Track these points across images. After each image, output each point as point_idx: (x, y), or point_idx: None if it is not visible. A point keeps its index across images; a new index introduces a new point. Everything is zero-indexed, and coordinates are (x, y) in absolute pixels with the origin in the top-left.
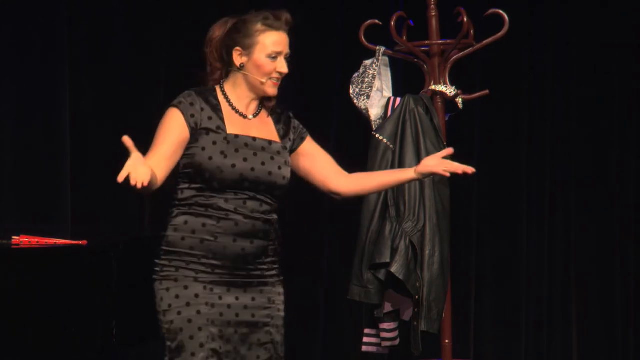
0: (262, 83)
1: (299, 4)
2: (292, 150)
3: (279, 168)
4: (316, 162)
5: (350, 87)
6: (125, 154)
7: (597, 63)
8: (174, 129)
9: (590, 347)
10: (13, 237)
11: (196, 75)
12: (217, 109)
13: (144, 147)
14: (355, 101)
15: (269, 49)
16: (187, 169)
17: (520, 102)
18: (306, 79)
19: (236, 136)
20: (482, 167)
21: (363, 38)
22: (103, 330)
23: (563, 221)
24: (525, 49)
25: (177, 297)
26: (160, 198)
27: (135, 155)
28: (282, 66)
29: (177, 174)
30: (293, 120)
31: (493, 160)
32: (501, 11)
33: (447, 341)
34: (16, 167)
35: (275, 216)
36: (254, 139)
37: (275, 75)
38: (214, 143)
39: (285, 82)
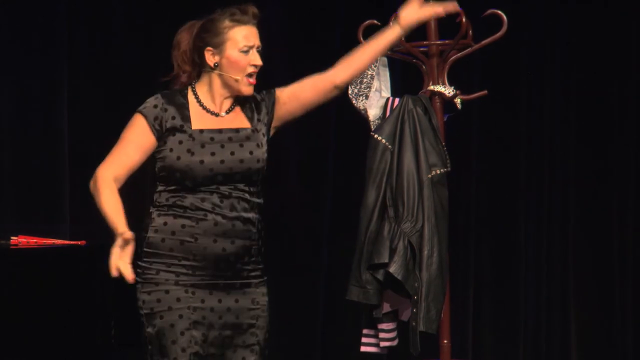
0: (237, 81)
1: (298, 4)
2: (273, 118)
3: (250, 153)
4: (303, 92)
5: (349, 87)
6: None
7: (596, 63)
8: (136, 138)
9: (589, 348)
10: (12, 238)
11: (163, 79)
12: (183, 107)
13: None
14: (354, 101)
15: (240, 43)
16: (161, 172)
17: (518, 103)
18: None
19: (201, 131)
20: (480, 167)
21: (361, 38)
22: (102, 330)
23: (562, 222)
24: (524, 49)
25: (158, 301)
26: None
27: (120, 251)
28: (256, 59)
29: (153, 177)
30: (257, 95)
31: (492, 161)
32: (500, 12)
33: (445, 341)
34: (15, 167)
35: (256, 215)
36: (220, 130)
37: (250, 69)
38: (180, 142)
39: (283, 82)
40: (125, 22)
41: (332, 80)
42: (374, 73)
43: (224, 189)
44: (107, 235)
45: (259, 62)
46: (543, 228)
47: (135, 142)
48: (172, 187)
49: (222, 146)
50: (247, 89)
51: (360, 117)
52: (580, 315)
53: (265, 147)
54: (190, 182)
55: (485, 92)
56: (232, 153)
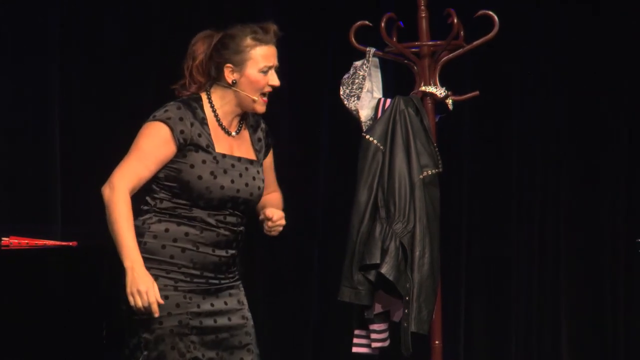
0: (254, 101)
1: (289, 5)
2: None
3: (258, 188)
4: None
5: (340, 88)
6: (113, 155)
7: (588, 65)
8: (158, 150)
9: (580, 349)
10: (3, 239)
11: (172, 87)
12: (204, 123)
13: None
14: (346, 102)
15: (261, 63)
16: (170, 182)
17: (510, 104)
18: (296, 81)
19: (224, 156)
20: (472, 168)
21: (353, 39)
22: (93, 331)
23: (553, 223)
24: (516, 50)
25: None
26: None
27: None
28: (274, 79)
29: (154, 181)
30: (267, 133)
31: (483, 162)
32: (491, 12)
33: (437, 342)
34: (6, 168)
35: (244, 228)
36: (239, 159)
37: (267, 89)
38: (204, 162)
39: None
40: (117, 22)
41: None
42: (366, 74)
43: (228, 211)
44: (99, 237)
45: (277, 82)
46: (534, 229)
47: (156, 155)
48: (181, 201)
49: (240, 175)
50: (261, 108)
51: (352, 118)
52: (572, 315)
53: (264, 184)
54: (204, 202)
55: (477, 92)
56: (247, 185)
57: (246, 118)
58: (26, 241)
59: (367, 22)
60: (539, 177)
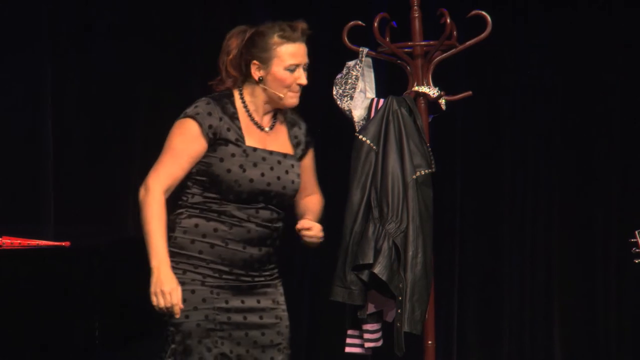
0: (281, 98)
1: (281, 5)
2: (303, 156)
3: (292, 182)
4: (303, 176)
5: (333, 88)
6: (106, 154)
7: (582, 64)
8: (189, 147)
9: (573, 348)
10: None
11: (209, 83)
12: (234, 117)
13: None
14: (338, 102)
15: (287, 61)
16: (201, 177)
17: (503, 104)
18: None
19: (254, 149)
20: (465, 168)
21: (346, 39)
22: (85, 331)
23: (546, 223)
24: (508, 49)
25: (184, 300)
26: None
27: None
28: (301, 77)
29: (188, 177)
30: (307, 132)
31: (476, 162)
32: (484, 12)
33: (430, 342)
34: None
35: (281, 224)
36: (271, 152)
37: (294, 87)
38: (233, 155)
39: None
40: (109, 18)
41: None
42: (359, 74)
43: (260, 204)
44: (92, 237)
45: (304, 81)
46: (527, 229)
47: (188, 153)
48: (212, 195)
49: (272, 168)
50: (292, 101)
51: (345, 118)
52: (564, 316)
53: (299, 178)
54: (234, 195)
55: (470, 93)
56: (279, 178)
57: (284, 113)
58: (19, 241)
59: (360, 22)
60: (532, 177)
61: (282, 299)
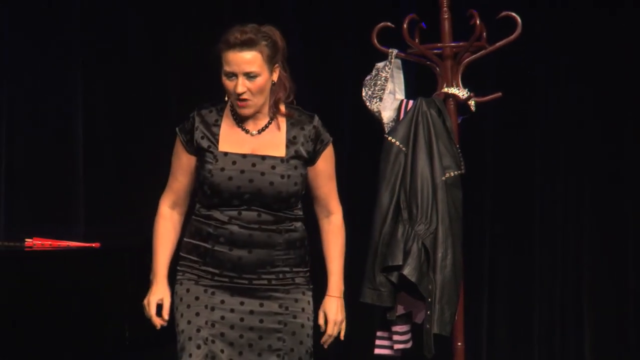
0: (233, 104)
1: (310, 6)
2: (311, 159)
3: (271, 183)
4: (314, 182)
5: (363, 89)
6: (136, 155)
7: (612, 65)
8: (178, 160)
9: (603, 351)
10: (26, 240)
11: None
12: (215, 124)
13: (160, 148)
14: (368, 104)
15: (225, 69)
16: (197, 184)
17: (533, 105)
18: (318, 82)
19: (225, 154)
20: (494, 170)
21: (375, 41)
22: (115, 332)
23: (576, 223)
24: (540, 51)
25: (181, 299)
26: None
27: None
28: (236, 86)
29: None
30: (317, 134)
31: (506, 163)
32: (514, 14)
33: (459, 344)
34: (29, 169)
35: (286, 226)
36: (244, 155)
37: (234, 96)
38: (207, 162)
39: (297, 85)
40: (140, 24)
41: (319, 213)
42: (388, 75)
43: (243, 206)
44: (121, 237)
45: (239, 90)
46: (558, 230)
47: (179, 165)
48: (201, 200)
49: (242, 172)
50: (241, 111)
51: (374, 120)
52: (595, 317)
53: (292, 179)
54: (212, 199)
55: (500, 94)
56: (251, 180)
57: (291, 115)
58: (49, 242)
59: (389, 24)
60: (562, 177)
61: (297, 305)
